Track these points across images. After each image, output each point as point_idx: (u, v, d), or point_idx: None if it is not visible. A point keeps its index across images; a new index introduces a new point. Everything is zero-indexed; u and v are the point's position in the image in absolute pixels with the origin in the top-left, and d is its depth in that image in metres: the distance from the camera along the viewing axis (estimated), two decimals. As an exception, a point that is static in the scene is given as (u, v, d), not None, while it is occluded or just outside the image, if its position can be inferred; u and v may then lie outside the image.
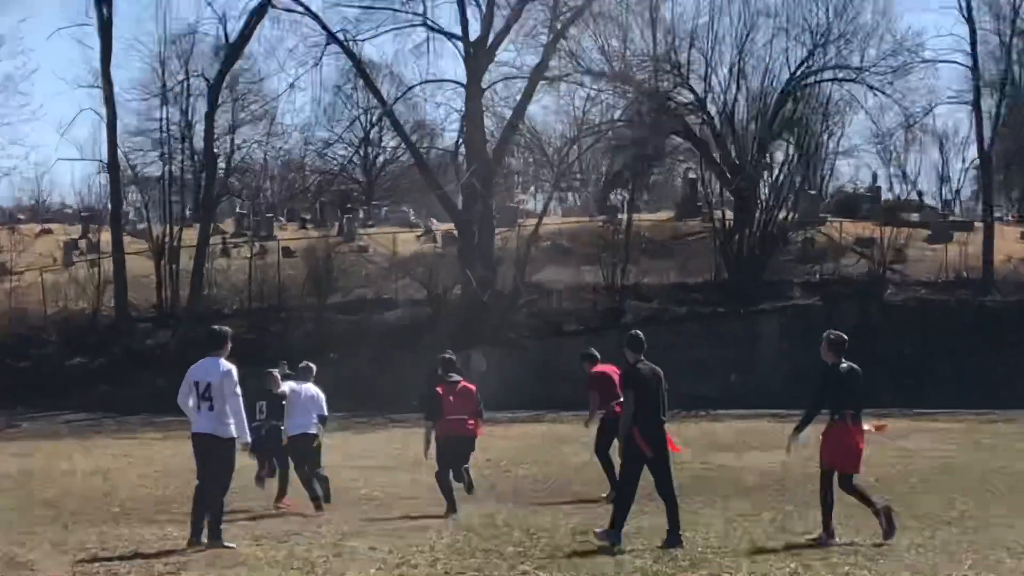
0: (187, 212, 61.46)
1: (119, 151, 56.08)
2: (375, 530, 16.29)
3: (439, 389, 18.77)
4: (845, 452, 15.02)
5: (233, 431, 15.22)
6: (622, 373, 15.58)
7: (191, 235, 55.29)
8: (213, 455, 15.17)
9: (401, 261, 54.43)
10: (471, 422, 18.90)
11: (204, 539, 14.96)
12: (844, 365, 15.27)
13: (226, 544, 14.84)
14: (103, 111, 55.26)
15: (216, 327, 16.15)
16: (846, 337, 15.45)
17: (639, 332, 15.98)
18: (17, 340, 51.76)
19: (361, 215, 68.77)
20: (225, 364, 15.31)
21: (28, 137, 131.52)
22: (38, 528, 17.29)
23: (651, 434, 14.88)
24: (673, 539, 14.66)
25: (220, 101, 56.47)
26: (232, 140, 60.60)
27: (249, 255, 56.84)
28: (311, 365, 20.58)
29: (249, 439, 15.75)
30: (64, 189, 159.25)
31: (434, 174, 57.26)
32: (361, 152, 79.20)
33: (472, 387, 19.27)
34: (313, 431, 19.76)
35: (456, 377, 19.14)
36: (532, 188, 76.72)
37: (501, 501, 19.74)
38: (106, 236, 57.81)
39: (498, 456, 27.19)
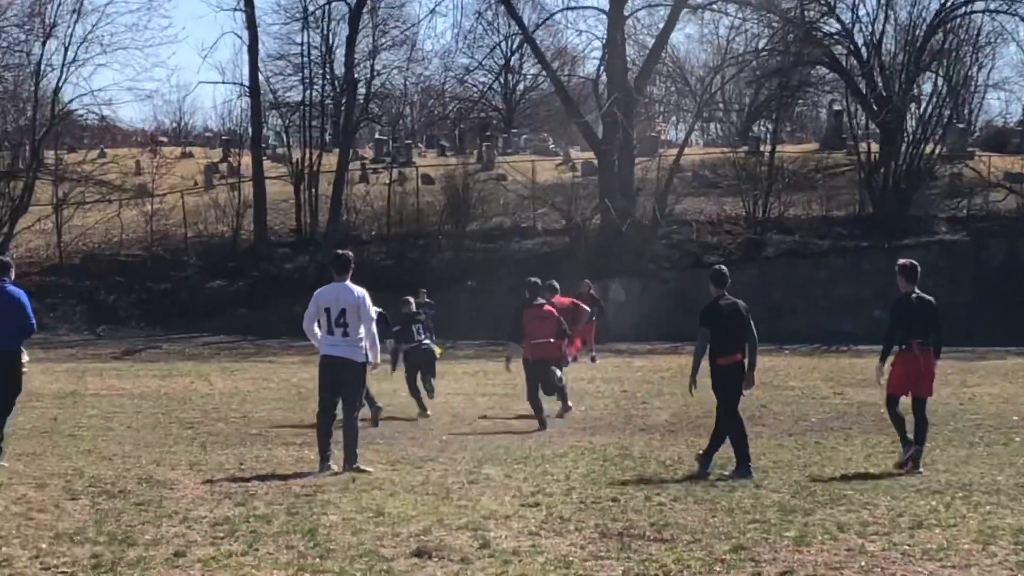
0: (327, 137, 61.57)
1: (260, 75, 56.42)
2: (511, 458, 16.11)
3: (523, 313, 20.47)
4: (918, 377, 15.29)
5: (366, 355, 15.14)
6: (702, 308, 15.42)
7: (330, 160, 55.46)
8: (346, 379, 15.10)
9: (540, 189, 54.13)
10: (554, 343, 20.54)
11: (333, 464, 14.90)
12: (915, 295, 15.39)
13: (362, 468, 14.76)
14: (245, 35, 55.68)
15: (341, 251, 16.05)
16: (917, 264, 15.59)
17: (723, 267, 16.00)
18: (158, 263, 52.38)
19: (500, 142, 68.55)
20: (358, 289, 15.18)
21: (170, 60, 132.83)
22: (176, 448, 17.36)
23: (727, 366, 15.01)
24: (742, 471, 14.64)
25: (361, 26, 56.35)
26: (372, 65, 60.43)
27: (388, 181, 56.92)
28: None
29: (379, 362, 15.67)
30: (205, 112, 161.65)
31: (574, 102, 56.86)
32: (501, 79, 78.84)
33: (554, 311, 20.80)
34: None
35: (540, 301, 20.73)
36: (673, 118, 76.12)
37: (637, 432, 19.46)
38: (246, 160, 58.18)
39: (634, 388, 26.93)
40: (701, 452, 15.16)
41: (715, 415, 15.30)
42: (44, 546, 10.72)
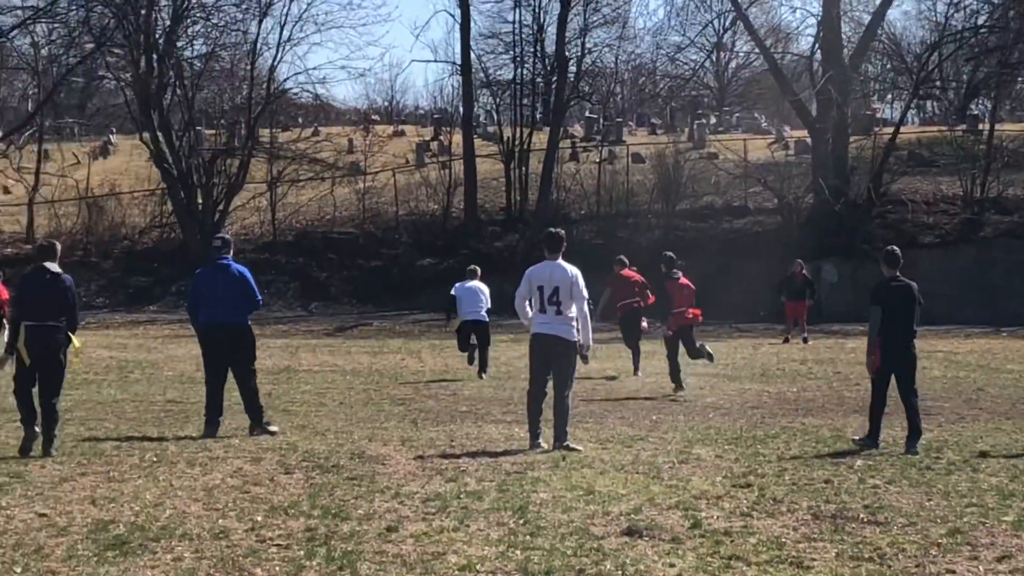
0: (537, 116, 61.70)
1: (472, 53, 56.78)
2: (721, 438, 15.92)
3: (667, 286, 22.68)
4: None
5: (577, 334, 15.09)
6: (873, 287, 15.99)
7: (541, 139, 55.57)
8: (558, 357, 15.06)
9: (751, 168, 53.54)
10: (691, 312, 22.69)
11: (542, 442, 14.88)
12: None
13: (572, 446, 14.70)
14: (457, 13, 56.04)
15: (553, 229, 15.96)
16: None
17: (895, 248, 16.17)
18: (370, 240, 53.05)
19: (711, 121, 68.02)
20: (572, 267, 15.12)
21: (383, 39, 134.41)
22: (388, 424, 17.51)
23: (894, 348, 15.42)
24: (911, 446, 15.01)
25: (572, 4, 56.31)
26: (583, 44, 60.37)
27: (598, 160, 56.87)
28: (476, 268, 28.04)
29: (591, 344, 15.61)
30: (417, 91, 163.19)
31: (788, 80, 56.14)
32: (713, 57, 78.23)
33: (690, 283, 22.86)
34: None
35: (678, 274, 22.69)
36: (889, 96, 74.61)
37: (850, 414, 19.10)
38: (457, 139, 58.63)
39: (847, 369, 26.50)
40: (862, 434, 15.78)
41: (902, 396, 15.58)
42: (259, 519, 10.88)
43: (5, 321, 29.67)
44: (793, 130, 62.27)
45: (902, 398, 15.53)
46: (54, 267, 15.41)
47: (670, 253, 23.50)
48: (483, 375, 25.23)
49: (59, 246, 16.26)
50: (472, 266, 28.29)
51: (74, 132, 69.26)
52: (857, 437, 15.69)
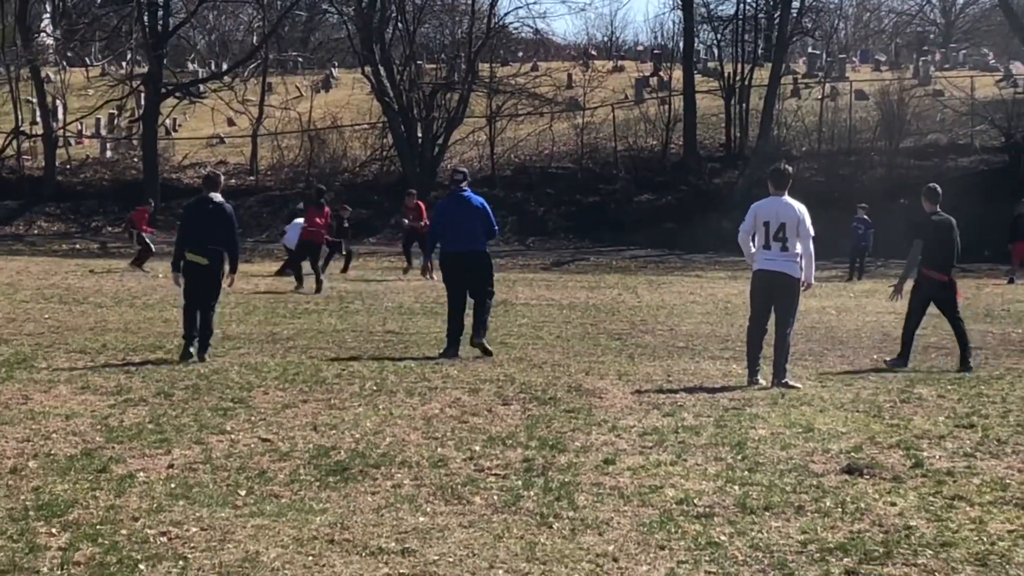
0: (758, 52, 60.88)
1: (694, -12, 56.09)
2: (944, 378, 15.58)
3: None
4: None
5: (801, 272, 14.87)
6: (917, 222, 17.51)
7: (762, 75, 54.83)
8: (782, 294, 14.87)
9: (978, 106, 52.15)
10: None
11: (761, 379, 14.74)
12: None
13: (791, 383, 14.52)
14: (680, -53, 55.39)
15: (781, 165, 15.72)
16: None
17: (935, 185, 17.58)
18: (587, 175, 53.05)
19: (937, 57, 66.40)
20: (799, 204, 14.89)
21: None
22: (605, 358, 17.47)
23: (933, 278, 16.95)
24: (964, 366, 16.67)
25: (797, -62, 55.46)
26: (806, -22, 59.54)
27: (820, 97, 55.96)
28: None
29: (813, 282, 15.38)
30: (637, 26, 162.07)
31: (1018, 16, 54.49)
32: (940, -8, 76.41)
33: None
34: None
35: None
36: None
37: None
38: (677, 74, 58.20)
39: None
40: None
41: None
42: (477, 448, 10.94)
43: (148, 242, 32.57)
44: (1022, 67, 60.47)
45: (952, 326, 17.18)
46: (217, 197, 17.07)
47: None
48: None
49: (222, 177, 18.09)
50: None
51: (297, 65, 70.31)
52: (888, 359, 17.21)
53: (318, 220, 29.71)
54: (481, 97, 56.13)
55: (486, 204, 18.21)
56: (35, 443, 11.06)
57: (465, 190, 18.15)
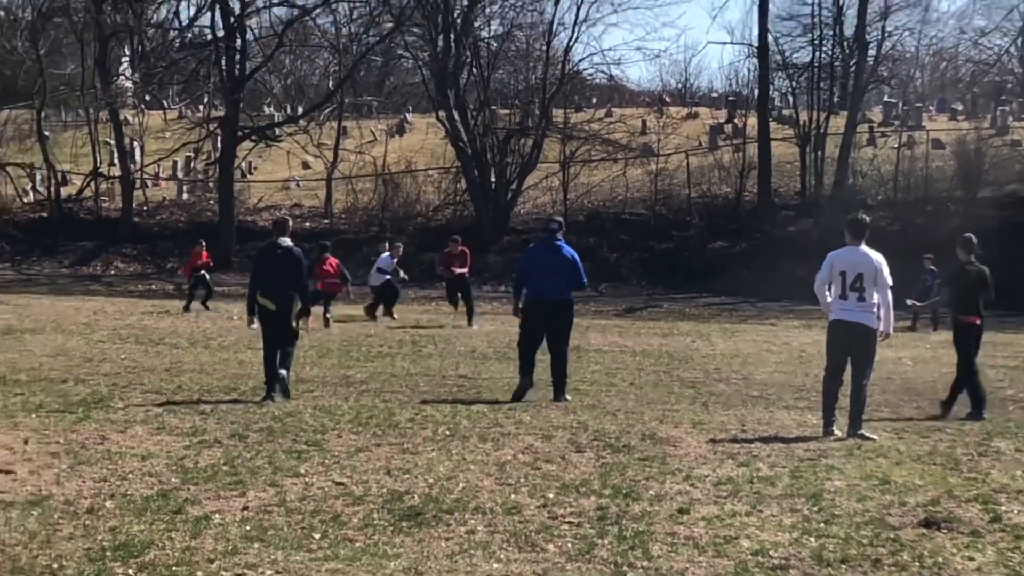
0: (834, 100, 60.72)
1: (769, 35, 56.07)
2: (1022, 432, 15.37)
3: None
4: None
5: (878, 322, 14.76)
6: (950, 271, 18.13)
7: (837, 123, 54.64)
8: (857, 344, 14.76)
9: (1057, 156, 51.75)
10: None
11: (836, 430, 14.61)
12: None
13: (867, 435, 14.39)
14: (756, -6, 55.36)
15: (859, 215, 15.56)
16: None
17: (971, 236, 18.10)
18: (661, 221, 52.98)
19: (1015, 107, 65.95)
20: (876, 254, 14.78)
21: (679, 20, 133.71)
22: (679, 406, 17.39)
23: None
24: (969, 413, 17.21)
25: (874, -13, 55.29)
26: (883, 27, 59.27)
27: (896, 145, 55.67)
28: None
29: (891, 332, 15.24)
30: (711, 73, 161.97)
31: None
32: (1019, 42, 75.80)
33: None
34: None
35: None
36: None
37: None
38: (752, 121, 58.12)
39: None
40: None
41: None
42: (551, 495, 10.90)
43: (206, 276, 33.11)
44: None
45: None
46: (286, 242, 17.53)
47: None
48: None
49: (291, 222, 18.44)
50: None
51: (372, 110, 70.79)
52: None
53: (327, 270, 31.05)
54: (555, 142, 56.25)
55: (576, 256, 18.41)
56: (112, 483, 11.13)
57: (559, 239, 18.33)
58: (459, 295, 32.90)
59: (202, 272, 35.61)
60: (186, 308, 34.53)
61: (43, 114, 60.81)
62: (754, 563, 8.94)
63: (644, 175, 56.73)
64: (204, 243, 36.95)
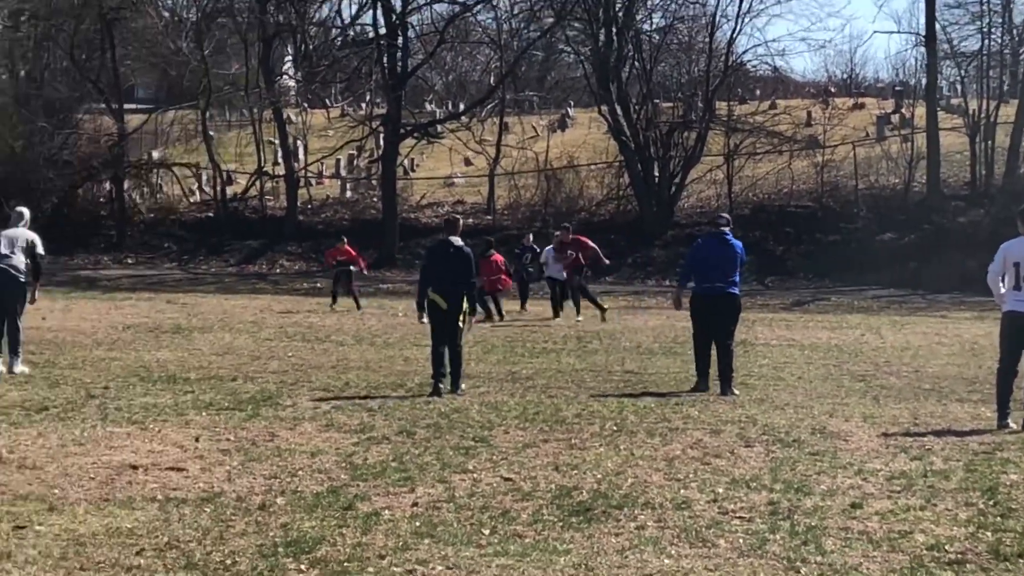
0: (1004, 88, 59.51)
1: (936, 24, 55.07)
2: None
3: None
4: None
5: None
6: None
7: (1007, 111, 53.54)
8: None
9: None
10: None
11: (1011, 422, 14.32)
12: None
13: (1035, 427, 14.13)
14: (922, -18, 54.42)
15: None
16: None
17: None
18: (827, 214, 52.36)
19: None
20: (1044, 244, 14.46)
21: (844, 9, 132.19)
22: (849, 400, 17.14)
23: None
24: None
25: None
26: (1054, 12, 58.11)
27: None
28: None
29: None
30: (877, 63, 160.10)
31: None
32: None
33: None
34: None
35: None
36: None
37: None
38: (920, 111, 57.19)
39: None
40: None
41: None
42: (721, 490, 10.81)
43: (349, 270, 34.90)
44: None
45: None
46: (457, 240, 17.82)
47: None
48: None
49: (461, 220, 18.80)
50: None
51: (533, 105, 70.90)
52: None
53: (493, 266, 31.43)
54: (718, 135, 55.88)
55: (742, 249, 18.66)
56: (282, 480, 11.25)
57: (727, 234, 18.40)
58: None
59: (346, 267, 35.49)
60: (334, 302, 34.82)
61: (208, 114, 61.77)
62: (929, 558, 8.77)
63: (810, 167, 56.09)
64: (346, 239, 36.97)
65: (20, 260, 19.03)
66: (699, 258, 18.53)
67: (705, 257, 18.38)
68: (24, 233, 19.24)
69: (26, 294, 19.24)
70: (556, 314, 31.84)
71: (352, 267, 35.32)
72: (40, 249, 19.38)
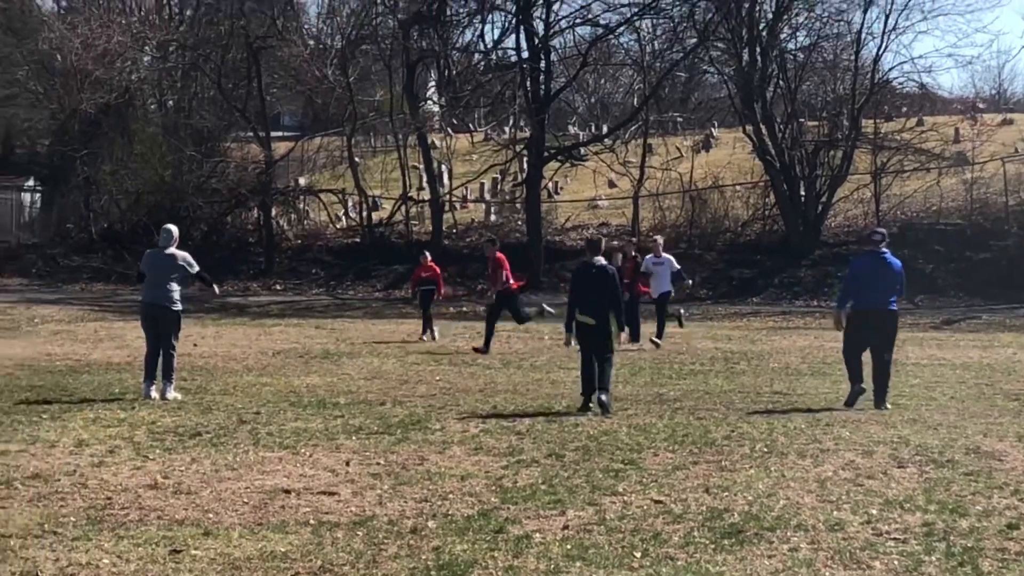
0: None
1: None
2: None
3: None
4: None
5: None
6: None
7: None
8: None
9: None
10: None
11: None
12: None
13: None
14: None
15: None
16: None
17: None
18: (977, 231, 51.51)
19: None
20: None
21: (992, 25, 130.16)
22: (1002, 420, 16.87)
23: None
24: None
25: None
26: None
27: None
28: None
29: None
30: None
31: None
32: None
33: None
34: None
35: None
36: None
37: None
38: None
39: None
40: None
41: None
42: (874, 512, 10.71)
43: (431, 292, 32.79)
44: None
45: None
46: (599, 260, 18.33)
47: None
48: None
49: (604, 241, 19.75)
50: None
51: (677, 126, 70.69)
52: None
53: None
54: (865, 154, 55.24)
55: (901, 268, 18.86)
56: (433, 503, 11.33)
57: (884, 251, 18.65)
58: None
59: (429, 287, 33.03)
60: (424, 331, 32.56)
61: (353, 141, 62.45)
62: (1092, 581, 8.62)
63: (958, 184, 55.29)
64: (428, 254, 34.86)
65: (172, 288, 19.37)
66: (856, 277, 18.70)
67: (862, 276, 18.56)
68: (173, 259, 19.52)
69: (179, 321, 19.61)
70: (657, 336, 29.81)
71: (432, 288, 32.86)
72: (195, 268, 19.74)
